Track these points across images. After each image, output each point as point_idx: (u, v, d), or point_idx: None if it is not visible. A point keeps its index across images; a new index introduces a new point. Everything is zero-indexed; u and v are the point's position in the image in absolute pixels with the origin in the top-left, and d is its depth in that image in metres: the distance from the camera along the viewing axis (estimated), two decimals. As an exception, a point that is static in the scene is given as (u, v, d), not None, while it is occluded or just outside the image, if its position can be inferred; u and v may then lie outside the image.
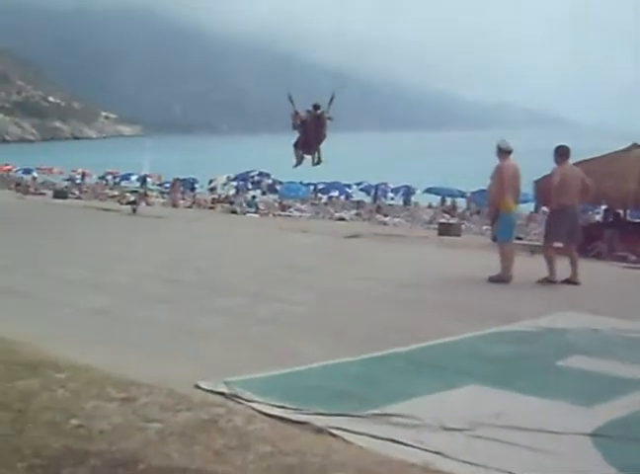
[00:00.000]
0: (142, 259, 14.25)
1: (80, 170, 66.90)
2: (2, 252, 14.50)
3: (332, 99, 21.33)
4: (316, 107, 21.30)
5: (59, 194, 44.46)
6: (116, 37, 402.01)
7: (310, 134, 20.43)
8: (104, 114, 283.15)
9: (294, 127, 21.84)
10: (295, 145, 20.85)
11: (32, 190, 53.06)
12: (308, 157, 19.35)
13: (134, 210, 24.70)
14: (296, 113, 21.57)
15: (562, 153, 12.84)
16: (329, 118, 20.99)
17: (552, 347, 8.39)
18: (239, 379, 6.60)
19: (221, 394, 6.19)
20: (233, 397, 6.13)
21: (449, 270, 13.82)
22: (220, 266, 13.74)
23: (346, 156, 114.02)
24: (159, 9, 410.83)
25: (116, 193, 51.47)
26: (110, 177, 65.88)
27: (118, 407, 5.46)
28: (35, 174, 67.83)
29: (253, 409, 5.80)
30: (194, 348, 7.99)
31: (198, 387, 6.33)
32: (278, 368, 7.05)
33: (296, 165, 20.06)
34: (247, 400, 6.06)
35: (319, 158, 20.73)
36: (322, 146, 21.09)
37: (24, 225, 19.99)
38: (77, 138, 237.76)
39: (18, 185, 56.39)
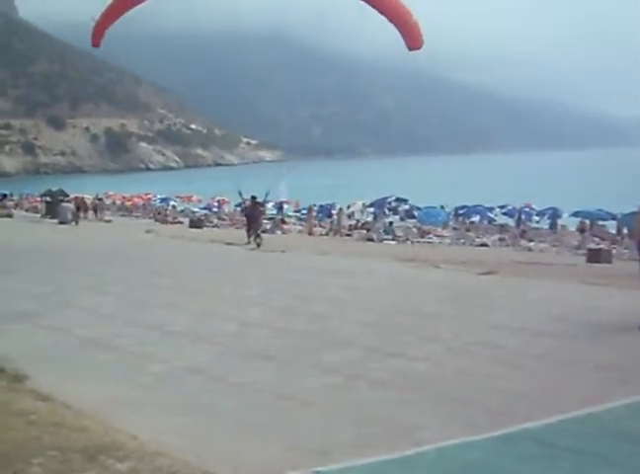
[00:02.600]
0: (255, 303, 13.32)
1: (217, 198, 67.29)
2: (108, 297, 13.87)
3: (267, 194, 32.05)
4: (254, 197, 30.86)
5: (195, 223, 44.67)
6: (255, 63, 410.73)
7: (250, 216, 28.60)
8: (245, 139, 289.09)
9: (242, 211, 34.57)
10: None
11: (169, 219, 53.65)
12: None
13: (258, 245, 23.99)
14: (244, 201, 31.59)
15: None
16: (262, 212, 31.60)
17: None
18: (334, 469, 5.60)
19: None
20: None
21: (595, 313, 12.27)
22: (338, 310, 12.61)
23: (489, 178, 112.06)
24: (298, 34, 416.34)
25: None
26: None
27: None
28: (173, 202, 68.67)
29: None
30: (291, 419, 7.00)
31: (284, 478, 5.37)
32: (384, 450, 5.97)
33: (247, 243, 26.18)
34: (339, 503, 5.10)
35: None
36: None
37: (139, 265, 19.39)
38: (219, 164, 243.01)
39: (158, 213, 57.27)
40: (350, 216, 53.46)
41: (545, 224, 50.67)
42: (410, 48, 13.75)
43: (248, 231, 27.91)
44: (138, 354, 9.49)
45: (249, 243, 26.41)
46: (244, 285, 15.44)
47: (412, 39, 13.76)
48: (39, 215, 50.41)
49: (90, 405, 7.03)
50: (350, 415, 7.09)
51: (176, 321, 11.46)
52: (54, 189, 55.87)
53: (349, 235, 44.12)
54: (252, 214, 29.26)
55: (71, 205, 42.01)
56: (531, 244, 40.17)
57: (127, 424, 6.55)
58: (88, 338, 10.29)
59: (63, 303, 13.05)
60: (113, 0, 15.93)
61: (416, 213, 51.80)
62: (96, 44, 19.05)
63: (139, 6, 16.81)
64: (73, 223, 38.51)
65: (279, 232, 42.65)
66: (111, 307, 12.71)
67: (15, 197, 70.24)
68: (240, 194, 31.24)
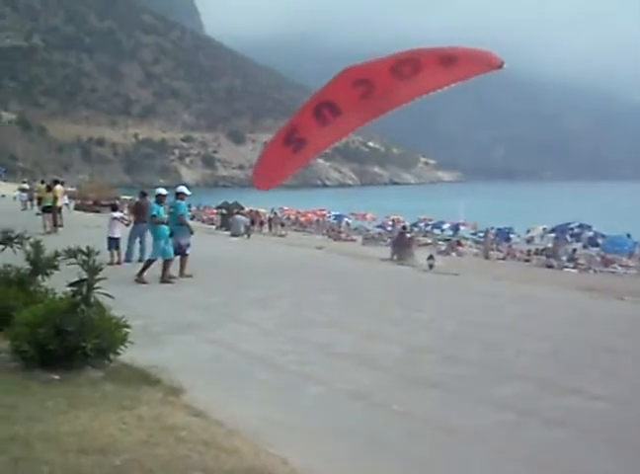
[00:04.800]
0: (424, 326, 12.73)
1: (392, 216, 66.95)
2: (274, 312, 13.60)
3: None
4: (404, 227, 36.76)
5: (369, 241, 44.64)
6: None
7: (398, 244, 31.12)
8: (423, 159, 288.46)
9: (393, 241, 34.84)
10: None
11: (343, 236, 53.70)
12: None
13: (431, 266, 23.34)
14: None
15: None
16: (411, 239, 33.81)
17: None
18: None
19: None
20: None
21: None
22: (512, 340, 11.84)
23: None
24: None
25: (428, 241, 50.68)
26: (422, 224, 65.33)
27: None
28: (347, 219, 68.85)
29: None
30: (457, 455, 6.54)
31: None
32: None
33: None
34: None
35: None
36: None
37: (307, 280, 18.98)
38: (395, 183, 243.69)
39: (332, 230, 57.55)
40: (529, 241, 52.11)
41: None
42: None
43: (393, 253, 29.96)
44: (299, 373, 9.14)
45: (392, 259, 28.44)
46: (414, 308, 14.82)
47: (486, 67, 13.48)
48: (214, 227, 51.39)
49: (243, 424, 6.71)
50: (521, 455, 6.56)
51: (340, 341, 11.03)
52: (230, 201, 57.08)
53: (527, 261, 42.83)
54: (399, 243, 31.40)
55: (245, 218, 42.32)
56: None
57: (280, 447, 6.23)
58: (250, 353, 10.03)
59: (229, 316, 12.88)
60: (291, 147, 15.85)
61: (600, 241, 49.68)
62: (264, 188, 19.06)
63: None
64: (245, 236, 38.71)
65: (453, 254, 41.86)
66: (276, 323, 12.42)
67: (193, 209, 72.27)
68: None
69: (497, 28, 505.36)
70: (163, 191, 18.28)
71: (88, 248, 7.60)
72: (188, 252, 17.70)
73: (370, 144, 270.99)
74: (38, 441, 5.46)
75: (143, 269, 16.91)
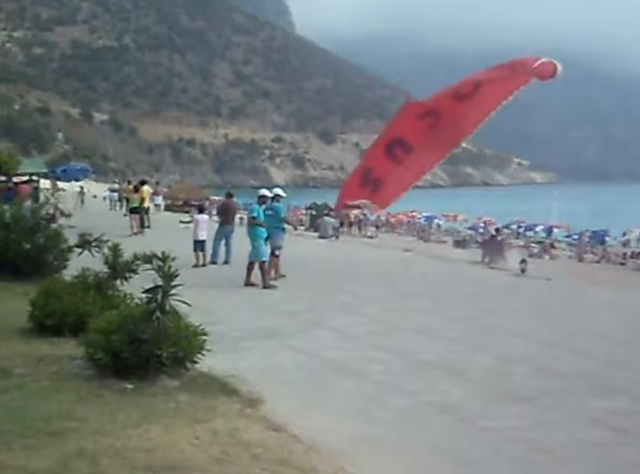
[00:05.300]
0: (514, 335, 12.20)
1: (484, 218, 65.78)
2: (361, 318, 13.19)
3: None
4: (497, 229, 37.10)
5: (459, 243, 43.87)
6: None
7: (488, 247, 31.01)
8: (516, 160, 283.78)
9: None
10: None
11: (433, 237, 53.07)
12: None
13: (523, 271, 22.69)
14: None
15: None
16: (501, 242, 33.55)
17: None
18: None
19: None
20: None
21: None
22: (607, 350, 11.30)
23: None
24: (577, 54, 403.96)
25: (520, 243, 49.61)
26: (515, 226, 64.01)
27: None
28: (437, 221, 67.91)
29: None
30: None
31: None
32: None
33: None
34: None
35: None
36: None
37: (394, 284, 18.65)
38: (487, 184, 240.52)
39: (422, 231, 56.86)
40: (624, 244, 50.74)
41: None
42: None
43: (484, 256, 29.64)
44: (383, 383, 8.77)
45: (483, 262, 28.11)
46: (505, 315, 14.30)
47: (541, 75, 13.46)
48: (302, 228, 50.99)
49: (322, 440, 6.36)
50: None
51: (428, 349, 10.62)
52: (320, 202, 56.50)
53: (622, 264, 41.55)
54: (490, 246, 31.17)
55: (333, 220, 41.72)
56: None
57: (360, 464, 5.95)
58: (333, 361, 9.69)
59: (313, 322, 12.56)
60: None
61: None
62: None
63: None
64: (333, 238, 38.19)
65: (546, 257, 40.89)
66: (362, 329, 12.02)
67: (282, 209, 71.82)
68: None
69: (590, 23, 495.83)
70: (267, 192, 17.91)
71: (163, 253, 7.36)
72: (278, 254, 17.47)
73: (463, 145, 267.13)
74: (105, 457, 5.26)
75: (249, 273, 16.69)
